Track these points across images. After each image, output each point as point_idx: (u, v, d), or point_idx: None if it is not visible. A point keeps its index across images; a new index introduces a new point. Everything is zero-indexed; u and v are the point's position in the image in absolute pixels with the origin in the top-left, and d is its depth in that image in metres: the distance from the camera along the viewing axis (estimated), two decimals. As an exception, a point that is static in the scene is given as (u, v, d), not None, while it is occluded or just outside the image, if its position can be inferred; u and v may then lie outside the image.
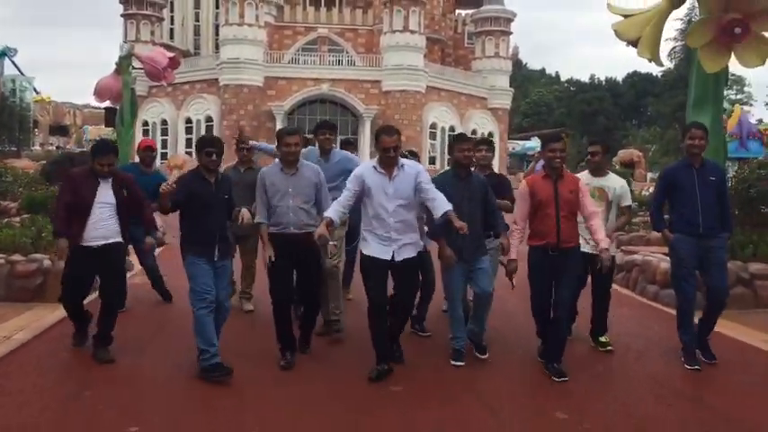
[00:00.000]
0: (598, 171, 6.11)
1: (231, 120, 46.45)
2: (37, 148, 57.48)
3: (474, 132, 51.79)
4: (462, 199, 5.27)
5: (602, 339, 6.09)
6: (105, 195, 5.35)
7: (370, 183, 5.05)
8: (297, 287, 5.60)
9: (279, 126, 46.34)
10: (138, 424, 4.02)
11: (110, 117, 16.52)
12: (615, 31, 8.26)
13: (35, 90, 67.88)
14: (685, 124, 8.70)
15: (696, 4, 8.38)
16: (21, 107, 56.69)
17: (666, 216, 5.91)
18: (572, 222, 5.27)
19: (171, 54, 13.54)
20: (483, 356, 5.61)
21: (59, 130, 70.44)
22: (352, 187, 5.08)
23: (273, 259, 5.24)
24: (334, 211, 5.01)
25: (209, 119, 48.63)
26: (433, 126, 49.95)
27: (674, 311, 6.07)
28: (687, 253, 5.58)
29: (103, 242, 5.33)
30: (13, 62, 71.15)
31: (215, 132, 46.63)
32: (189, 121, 49.54)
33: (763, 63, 7.31)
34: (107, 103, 15.76)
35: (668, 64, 53.32)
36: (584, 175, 6.04)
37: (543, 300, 5.30)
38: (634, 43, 8.27)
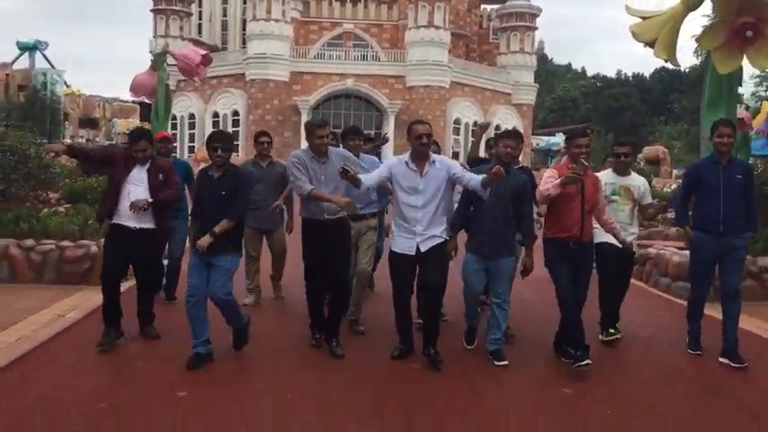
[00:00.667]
0: (624, 171, 6.08)
1: (257, 114, 47.17)
2: (67, 140, 58.55)
3: (498, 128, 52.00)
4: (488, 197, 5.20)
5: (612, 330, 6.06)
6: (139, 178, 5.44)
7: (401, 177, 5.13)
8: (329, 273, 5.53)
9: (304, 120, 46.90)
10: (185, 390, 4.48)
11: (144, 112, 17.10)
12: (633, 32, 8.54)
13: (65, 83, 69.08)
14: (701, 123, 9.01)
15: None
16: (51, 100, 57.81)
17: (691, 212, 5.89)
18: (591, 218, 5.34)
19: (204, 51, 14.00)
20: (500, 363, 5.37)
21: (89, 122, 71.25)
22: (381, 172, 5.21)
23: (350, 204, 5.23)
24: (368, 179, 5.10)
25: (235, 113, 49.38)
26: (457, 121, 50.22)
27: (684, 302, 6.35)
28: (705, 252, 5.59)
29: (136, 225, 5.38)
30: (44, 55, 72.38)
31: (241, 127, 47.38)
32: (216, 115, 50.35)
33: (774, 65, 7.59)
34: (142, 98, 16.26)
35: (695, 60, 53.07)
36: (607, 174, 6.06)
37: (570, 289, 5.26)
38: (651, 44, 8.55)
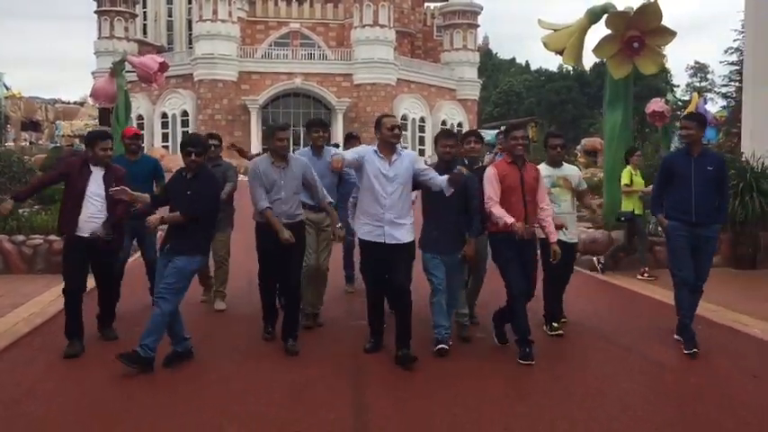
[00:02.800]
0: (558, 162, 6.26)
1: (207, 114, 47.57)
2: (10, 144, 57.62)
3: (444, 123, 53.50)
4: (441, 195, 5.33)
5: (556, 324, 6.16)
6: (96, 187, 5.40)
7: (370, 164, 5.27)
8: (280, 276, 5.63)
9: (254, 120, 47.72)
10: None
11: (103, 116, 17.86)
12: (544, 43, 9.92)
13: (5, 86, 67.92)
14: (604, 120, 10.41)
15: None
16: (-8, 104, 56.79)
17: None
18: (535, 208, 5.41)
19: (161, 59, 14.85)
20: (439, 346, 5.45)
21: (31, 125, 69.76)
22: (356, 153, 5.45)
23: (291, 237, 5.35)
24: (349, 156, 5.37)
25: (184, 113, 49.64)
26: (404, 117, 51.44)
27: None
28: (681, 239, 5.68)
29: (90, 236, 5.33)
30: (-19, 58, 70.96)
31: (190, 127, 47.68)
32: (165, 115, 50.55)
33: (658, 70, 9.11)
34: (102, 104, 17.02)
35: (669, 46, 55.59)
36: (543, 167, 6.10)
37: (520, 281, 5.33)
38: (560, 52, 9.96)
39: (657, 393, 4.68)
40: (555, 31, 10.03)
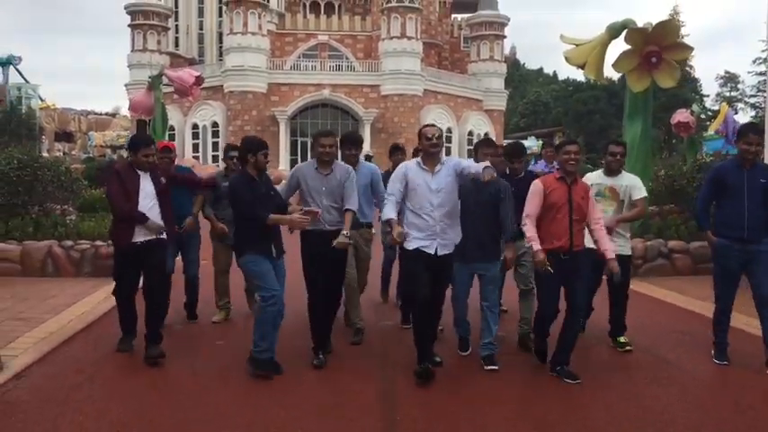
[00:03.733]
0: (616, 171, 5.97)
1: (236, 125, 48.40)
2: (45, 154, 58.90)
3: (470, 134, 53.88)
4: (468, 199, 5.30)
5: (622, 340, 5.99)
6: (147, 188, 5.48)
7: (414, 178, 5.11)
8: (322, 284, 5.50)
9: (282, 130, 48.53)
10: (222, 339, 6.04)
11: (141, 128, 18.58)
12: (566, 57, 10.28)
13: (40, 98, 69.65)
14: (624, 132, 10.69)
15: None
16: (27, 115, 58.34)
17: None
18: (582, 227, 5.19)
19: (197, 73, 15.47)
20: (489, 368, 5.39)
21: (64, 136, 71.26)
22: (399, 176, 5.17)
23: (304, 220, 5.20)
24: (391, 209, 5.08)
25: (214, 124, 50.57)
26: (431, 128, 51.81)
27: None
28: (730, 259, 5.41)
29: (145, 239, 5.42)
30: (17, 70, 72.89)
31: (221, 138, 48.63)
32: (195, 126, 51.53)
33: (675, 83, 9.42)
34: (140, 116, 17.70)
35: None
36: (597, 174, 6.02)
37: (551, 306, 5.19)
38: (582, 66, 10.30)
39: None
40: (577, 45, 10.38)
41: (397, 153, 7.68)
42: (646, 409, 4.54)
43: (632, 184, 5.92)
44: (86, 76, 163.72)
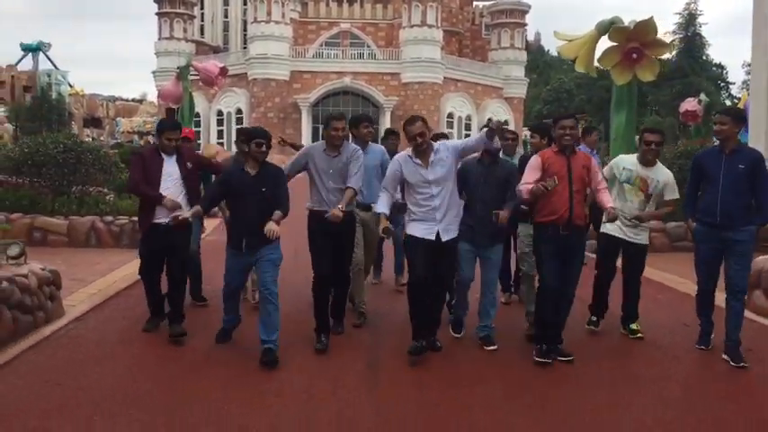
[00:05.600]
0: (651, 161, 5.78)
1: (260, 112, 49.65)
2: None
3: (489, 121, 54.32)
4: (478, 183, 5.37)
5: (634, 327, 5.93)
6: (171, 171, 5.56)
7: (408, 173, 5.12)
8: (329, 265, 5.54)
9: (305, 117, 49.63)
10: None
11: (169, 115, 19.76)
12: (559, 52, 11.20)
13: (69, 84, 71.29)
14: (610, 122, 11.59)
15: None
16: (57, 101, 59.94)
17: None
18: (582, 199, 5.19)
19: (221, 64, 16.62)
20: (489, 348, 5.51)
21: (93, 121, 72.46)
22: (392, 173, 5.17)
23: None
24: (383, 204, 5.12)
25: (238, 111, 51.86)
26: (450, 116, 52.68)
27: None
28: (705, 245, 5.41)
29: (168, 219, 5.42)
30: (47, 56, 74.57)
31: (244, 124, 49.75)
32: (220, 113, 52.82)
33: (655, 77, 10.31)
34: (168, 104, 18.91)
35: (668, 55, 55.77)
36: (630, 159, 5.88)
37: (556, 279, 5.16)
38: (574, 60, 11.22)
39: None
40: (569, 41, 11.29)
41: (389, 137, 7.59)
42: (645, 394, 4.62)
43: (667, 182, 5.78)
44: (112, 62, 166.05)
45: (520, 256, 6.12)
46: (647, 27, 10.10)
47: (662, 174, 5.80)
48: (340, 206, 5.28)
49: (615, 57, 10.26)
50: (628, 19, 10.89)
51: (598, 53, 11.02)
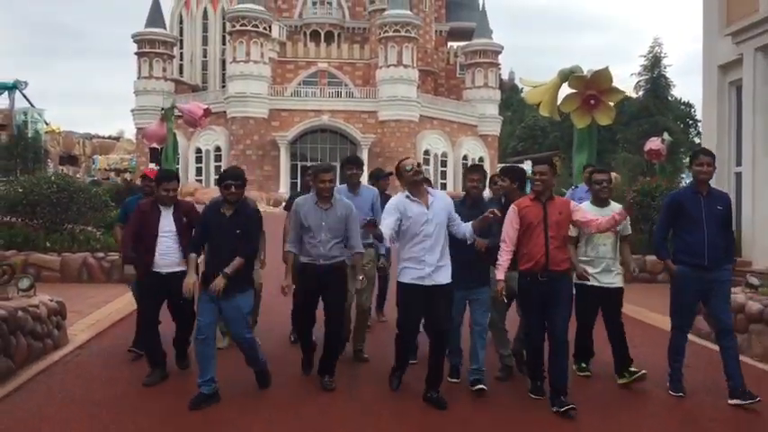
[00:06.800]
0: (604, 201, 5.82)
1: (238, 149, 50.14)
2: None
3: (465, 158, 55.60)
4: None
5: (633, 369, 5.76)
6: (167, 224, 5.59)
7: (409, 211, 5.14)
8: (325, 314, 5.58)
9: (283, 154, 50.25)
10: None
11: (154, 155, 20.38)
12: (524, 97, 12.06)
13: (45, 122, 71.37)
14: (573, 161, 12.42)
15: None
16: (34, 139, 59.96)
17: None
18: (561, 246, 5.15)
19: (205, 105, 17.30)
20: (475, 387, 5.47)
21: (69, 159, 72.34)
22: (394, 213, 5.14)
23: (289, 289, 5.42)
24: (387, 229, 5.06)
25: (217, 149, 52.32)
26: (427, 152, 53.53)
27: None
28: (690, 287, 5.37)
29: (168, 270, 5.53)
30: (23, 95, 74.64)
31: (223, 162, 50.31)
32: (199, 150, 53.20)
33: (611, 121, 11.20)
34: (153, 144, 19.50)
35: (634, 95, 57.71)
36: (587, 207, 5.76)
37: (538, 330, 5.18)
38: (538, 105, 12.08)
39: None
40: (534, 87, 12.17)
41: (383, 180, 7.49)
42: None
43: (626, 222, 5.78)
44: (87, 99, 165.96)
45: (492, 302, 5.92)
46: (603, 76, 11.01)
47: (618, 209, 5.68)
48: (360, 277, 5.51)
49: (575, 102, 11.15)
50: (601, 61, 11.77)
51: (560, 98, 11.90)
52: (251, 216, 5.35)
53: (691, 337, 6.78)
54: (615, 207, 5.77)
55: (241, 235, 5.13)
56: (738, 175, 11.08)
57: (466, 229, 5.22)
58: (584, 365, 6.03)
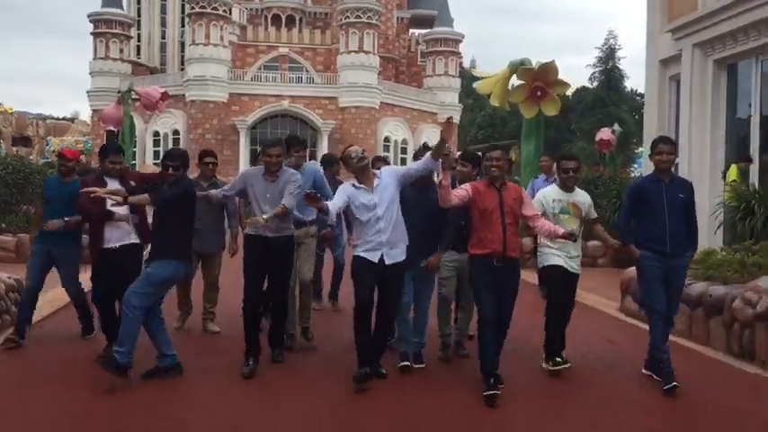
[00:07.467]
0: (570, 187, 5.83)
1: (197, 133, 49.75)
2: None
3: (425, 145, 55.83)
4: (410, 207, 5.41)
5: (559, 359, 5.70)
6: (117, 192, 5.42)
7: (356, 198, 5.20)
8: (268, 290, 5.64)
9: (243, 139, 50.03)
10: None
11: (110, 137, 20.30)
12: (475, 88, 12.46)
13: (-3, 101, 69.59)
14: (521, 150, 12.90)
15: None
16: (-17, 119, 58.37)
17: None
18: (516, 231, 5.23)
19: (162, 89, 17.33)
20: (419, 365, 5.64)
21: (22, 140, 70.81)
22: (343, 196, 5.21)
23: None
24: (333, 207, 5.08)
25: (175, 132, 51.83)
26: (387, 139, 53.95)
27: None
28: (655, 270, 5.43)
29: (120, 243, 5.59)
30: (-26, 74, 72.66)
31: (181, 145, 49.62)
32: (156, 134, 52.70)
33: (558, 112, 11.68)
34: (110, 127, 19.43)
35: (590, 85, 58.87)
36: (554, 190, 5.88)
37: (493, 312, 5.12)
38: (489, 96, 12.49)
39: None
40: (484, 78, 12.57)
41: (379, 164, 7.47)
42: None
43: (590, 203, 5.91)
44: (41, 79, 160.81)
45: (439, 280, 5.96)
46: (549, 68, 11.47)
47: (583, 196, 5.92)
48: (265, 216, 5.34)
49: (523, 93, 11.60)
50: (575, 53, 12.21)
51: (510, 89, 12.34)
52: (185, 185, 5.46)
53: (618, 315, 7.29)
54: (580, 193, 5.90)
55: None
56: (676, 167, 11.65)
57: (422, 162, 5.22)
58: (558, 360, 5.70)
